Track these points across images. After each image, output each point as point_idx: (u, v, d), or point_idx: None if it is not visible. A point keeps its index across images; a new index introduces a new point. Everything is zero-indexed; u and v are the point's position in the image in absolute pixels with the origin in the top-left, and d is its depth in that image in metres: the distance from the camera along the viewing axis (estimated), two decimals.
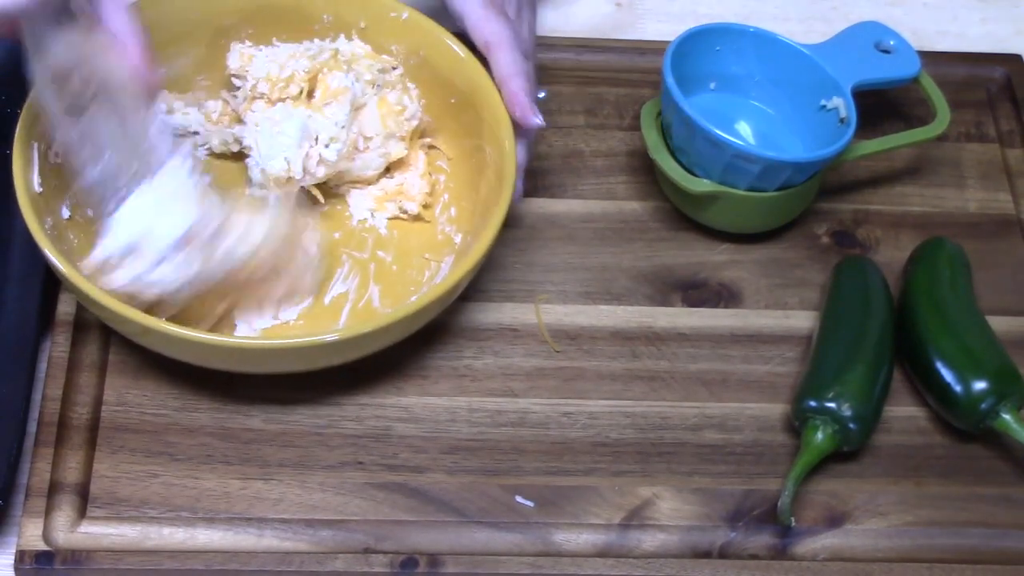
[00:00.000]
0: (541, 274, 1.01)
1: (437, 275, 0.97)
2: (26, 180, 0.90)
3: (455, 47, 0.99)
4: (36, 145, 0.92)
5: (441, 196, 1.01)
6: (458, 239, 0.98)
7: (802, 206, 1.03)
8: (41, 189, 0.92)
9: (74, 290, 0.88)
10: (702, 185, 0.99)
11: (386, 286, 0.97)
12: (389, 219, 1.00)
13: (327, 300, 0.96)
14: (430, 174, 1.01)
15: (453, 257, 0.97)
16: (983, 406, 0.93)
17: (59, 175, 0.93)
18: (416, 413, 0.94)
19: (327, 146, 0.96)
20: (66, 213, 0.94)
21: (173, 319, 0.90)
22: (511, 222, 1.02)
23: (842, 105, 1.01)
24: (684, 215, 1.04)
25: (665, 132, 1.02)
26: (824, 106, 1.02)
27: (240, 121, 1.00)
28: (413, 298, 0.94)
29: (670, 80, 0.99)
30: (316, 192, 0.99)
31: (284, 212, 0.92)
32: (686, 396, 0.96)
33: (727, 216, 1.02)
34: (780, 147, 1.04)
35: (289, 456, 0.91)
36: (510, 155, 0.94)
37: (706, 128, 0.97)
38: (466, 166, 1.00)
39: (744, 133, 1.05)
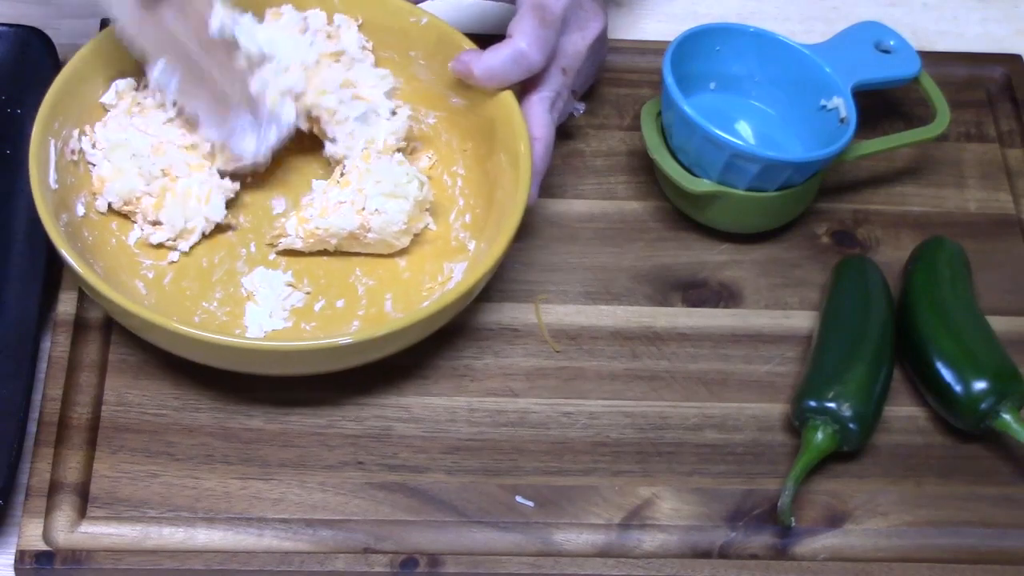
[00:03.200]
0: (541, 274, 1.01)
1: (450, 281, 0.96)
2: (42, 177, 0.90)
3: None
4: (54, 142, 0.92)
5: (456, 202, 1.00)
6: (471, 246, 0.97)
7: (802, 206, 1.03)
8: (57, 186, 0.92)
9: (86, 287, 0.88)
10: (702, 185, 0.99)
11: (398, 292, 0.96)
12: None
13: (339, 304, 0.96)
14: (442, 174, 1.01)
15: (467, 264, 0.96)
16: (983, 406, 0.93)
17: (75, 172, 0.93)
18: (416, 413, 0.94)
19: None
20: (81, 210, 0.94)
21: None
22: None
23: (842, 105, 1.01)
24: (684, 215, 1.04)
25: (665, 132, 1.02)
26: (824, 106, 1.02)
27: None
28: (425, 303, 0.94)
29: (670, 80, 0.99)
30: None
31: None
32: (686, 396, 0.96)
33: (727, 216, 1.02)
34: (780, 147, 1.04)
35: (289, 456, 0.91)
36: (525, 159, 0.94)
37: (706, 128, 0.97)
38: (481, 172, 0.99)
39: (744, 133, 1.05)
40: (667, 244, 1.03)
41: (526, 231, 1.02)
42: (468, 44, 0.98)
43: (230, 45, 0.95)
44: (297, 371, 0.91)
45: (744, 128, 1.05)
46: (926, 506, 0.93)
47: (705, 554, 0.90)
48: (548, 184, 1.04)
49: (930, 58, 1.09)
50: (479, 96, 0.98)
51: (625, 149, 1.07)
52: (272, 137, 0.96)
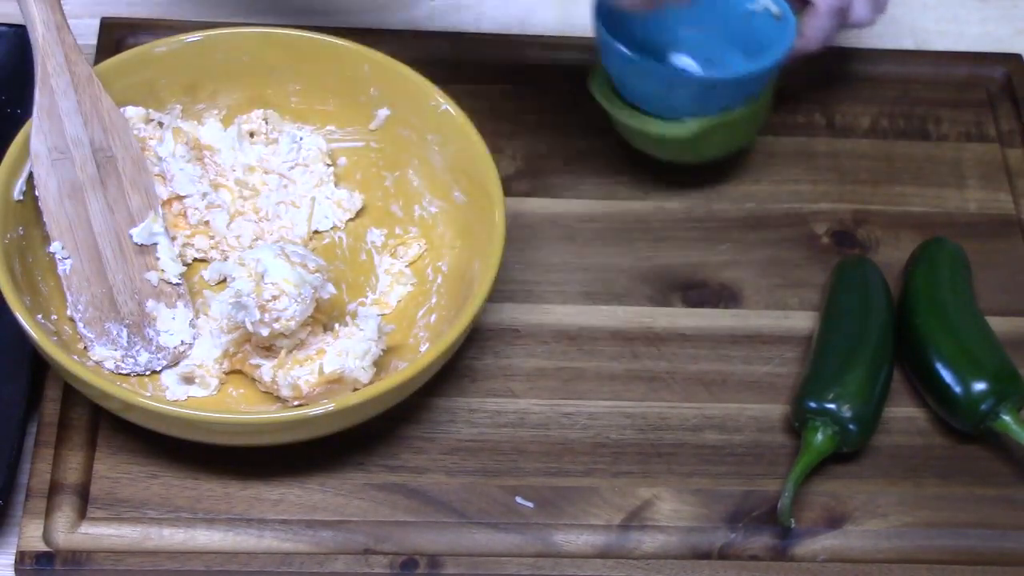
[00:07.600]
0: (541, 274, 1.01)
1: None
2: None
3: (481, 150, 0.95)
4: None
5: (430, 299, 0.96)
6: (424, 348, 0.93)
7: (768, 112, 1.03)
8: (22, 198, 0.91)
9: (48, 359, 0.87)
10: (685, 128, 0.98)
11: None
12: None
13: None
14: (428, 266, 0.98)
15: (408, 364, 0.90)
16: (983, 407, 0.93)
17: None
18: (416, 413, 0.94)
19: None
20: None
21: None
22: (511, 221, 1.02)
23: (769, 3, 1.00)
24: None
25: (617, 91, 1.00)
26: (753, 11, 1.01)
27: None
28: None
29: (599, 27, 0.97)
30: None
31: None
32: (686, 397, 0.96)
33: (715, 145, 1.01)
34: (728, 67, 1.02)
35: (289, 457, 0.91)
36: (491, 271, 0.90)
37: (647, 63, 0.96)
38: (460, 275, 0.96)
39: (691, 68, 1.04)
40: (667, 244, 1.03)
41: (526, 231, 1.02)
42: (478, 141, 0.95)
43: (148, 257, 0.94)
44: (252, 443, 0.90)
45: (688, 63, 1.04)
46: (926, 507, 0.93)
47: (705, 555, 0.90)
48: (548, 184, 1.05)
49: (930, 58, 1.09)
50: (479, 197, 0.94)
51: (625, 149, 1.07)
52: (142, 362, 0.92)
